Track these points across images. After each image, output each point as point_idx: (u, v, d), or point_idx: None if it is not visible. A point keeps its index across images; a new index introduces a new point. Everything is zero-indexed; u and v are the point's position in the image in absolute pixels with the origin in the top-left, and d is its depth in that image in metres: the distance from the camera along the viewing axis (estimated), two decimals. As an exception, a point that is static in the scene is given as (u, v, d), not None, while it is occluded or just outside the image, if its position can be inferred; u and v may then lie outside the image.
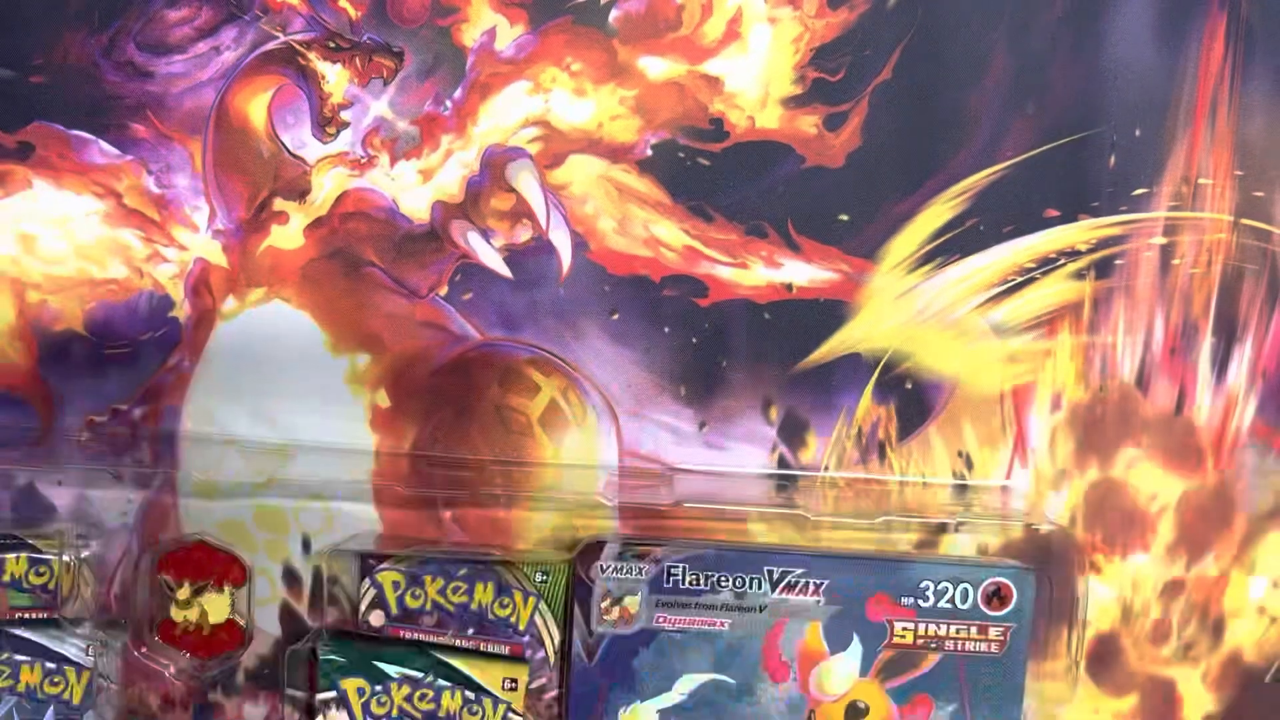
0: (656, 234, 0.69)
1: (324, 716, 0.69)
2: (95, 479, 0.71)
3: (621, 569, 0.69)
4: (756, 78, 0.68)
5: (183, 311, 0.70)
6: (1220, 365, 0.70)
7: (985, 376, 0.70)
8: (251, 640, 0.71)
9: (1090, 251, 0.69)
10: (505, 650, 0.70)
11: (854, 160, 0.68)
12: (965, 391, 0.70)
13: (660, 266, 0.69)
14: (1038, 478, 0.71)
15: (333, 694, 0.69)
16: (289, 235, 0.69)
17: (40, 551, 0.69)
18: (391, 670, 0.69)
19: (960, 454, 0.71)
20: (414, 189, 0.69)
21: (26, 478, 0.71)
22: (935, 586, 0.68)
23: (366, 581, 0.70)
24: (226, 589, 0.70)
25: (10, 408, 0.70)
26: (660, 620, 0.69)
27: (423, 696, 0.69)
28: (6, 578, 0.69)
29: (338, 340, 0.70)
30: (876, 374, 0.70)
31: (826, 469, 0.71)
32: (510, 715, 0.69)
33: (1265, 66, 0.67)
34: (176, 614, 0.70)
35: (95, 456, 0.70)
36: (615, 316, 0.70)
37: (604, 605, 0.69)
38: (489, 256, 0.69)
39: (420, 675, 0.69)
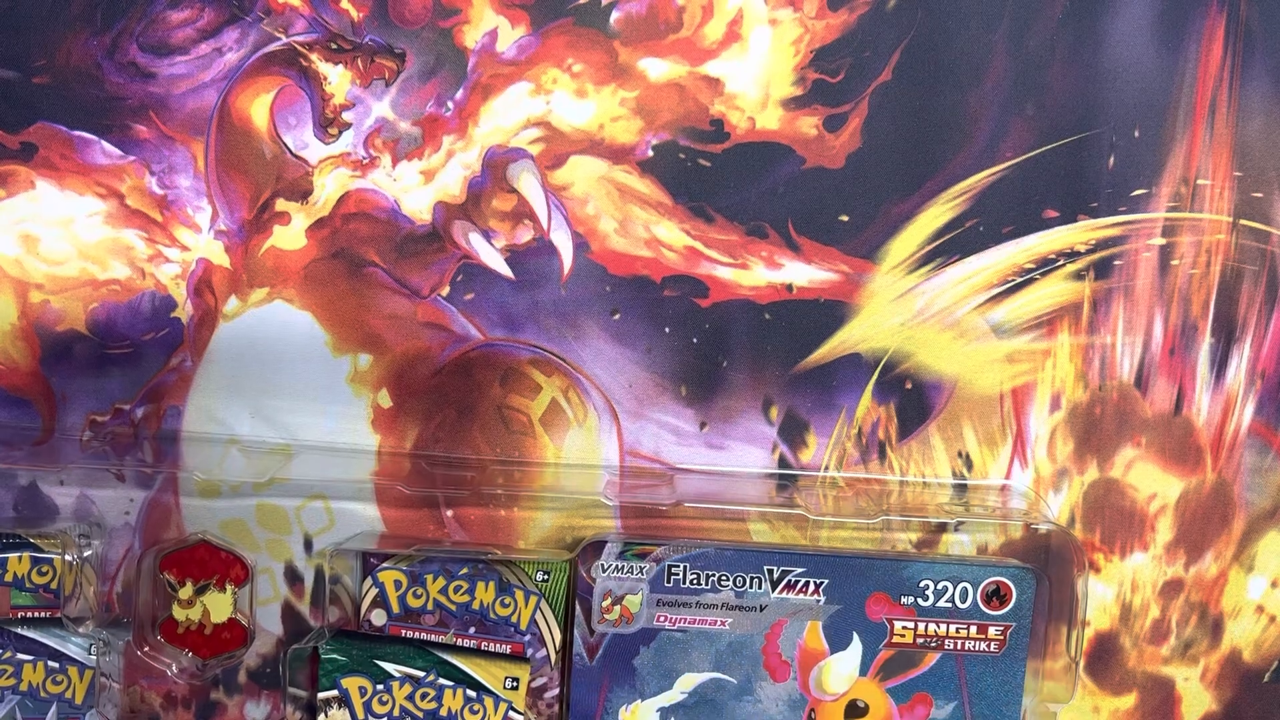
0: (657, 234, 0.69)
1: (325, 715, 0.69)
2: (97, 478, 0.71)
3: (622, 568, 0.69)
4: (757, 79, 0.68)
5: (185, 312, 0.70)
6: (1219, 365, 0.70)
7: (985, 376, 0.70)
8: (253, 639, 0.71)
9: (1089, 252, 0.69)
10: (507, 649, 0.70)
11: (854, 161, 0.68)
12: (965, 391, 0.70)
13: (661, 267, 0.69)
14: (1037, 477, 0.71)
15: (334, 693, 0.69)
16: (291, 236, 0.69)
17: (43, 551, 0.69)
18: (393, 669, 0.69)
19: (960, 454, 0.71)
20: (416, 190, 0.69)
21: (29, 477, 0.71)
22: (935, 586, 0.69)
23: (368, 581, 0.70)
24: (228, 588, 0.70)
25: (13, 407, 0.70)
26: (661, 619, 0.69)
27: (424, 695, 0.69)
28: (9, 577, 0.69)
29: (340, 340, 0.70)
30: (876, 374, 0.70)
31: (826, 469, 0.71)
32: (511, 714, 0.70)
33: (1264, 67, 0.68)
34: (179, 613, 0.70)
35: (97, 456, 0.70)
36: (616, 316, 0.70)
37: (605, 604, 0.69)
38: (490, 257, 0.69)
39: (422, 674, 0.69)
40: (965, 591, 0.68)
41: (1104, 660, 0.72)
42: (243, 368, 0.70)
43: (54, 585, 0.69)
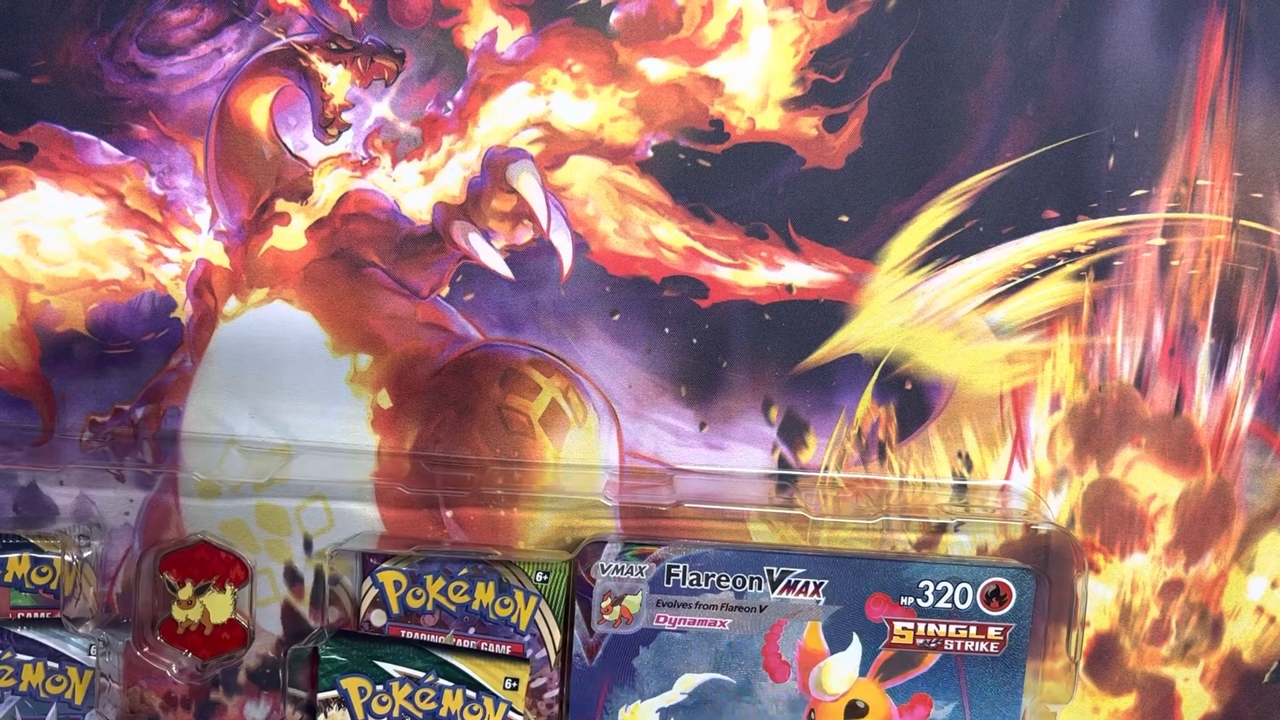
0: (657, 235, 0.69)
1: (325, 716, 0.69)
2: (97, 479, 0.71)
3: (622, 569, 0.69)
4: (757, 79, 0.68)
5: (185, 312, 0.70)
6: (1219, 366, 0.70)
7: (985, 377, 0.70)
8: (253, 640, 0.71)
9: (1089, 252, 0.69)
10: (506, 650, 0.70)
11: (854, 161, 0.68)
12: (965, 392, 0.70)
13: (661, 267, 0.69)
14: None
15: (334, 693, 0.69)
16: (291, 236, 0.69)
17: (42, 551, 0.69)
18: (393, 670, 0.69)
19: (960, 454, 0.71)
20: (415, 190, 0.69)
21: (29, 478, 0.71)
22: (935, 586, 0.69)
23: (368, 581, 0.70)
24: (228, 589, 0.70)
25: (13, 407, 0.70)
26: (660, 620, 0.69)
27: (424, 696, 0.69)
28: (9, 577, 0.69)
29: (339, 341, 0.70)
30: (876, 374, 0.70)
31: (826, 469, 0.71)
32: (511, 715, 0.70)
33: (1264, 68, 0.68)
34: (178, 613, 0.70)
35: (97, 456, 0.70)
36: (616, 317, 0.70)
37: (605, 605, 0.69)
38: (490, 257, 0.69)
39: (421, 675, 0.69)
40: (965, 592, 0.68)
41: (1104, 660, 0.72)
42: (242, 368, 0.70)
43: (54, 586, 0.69)
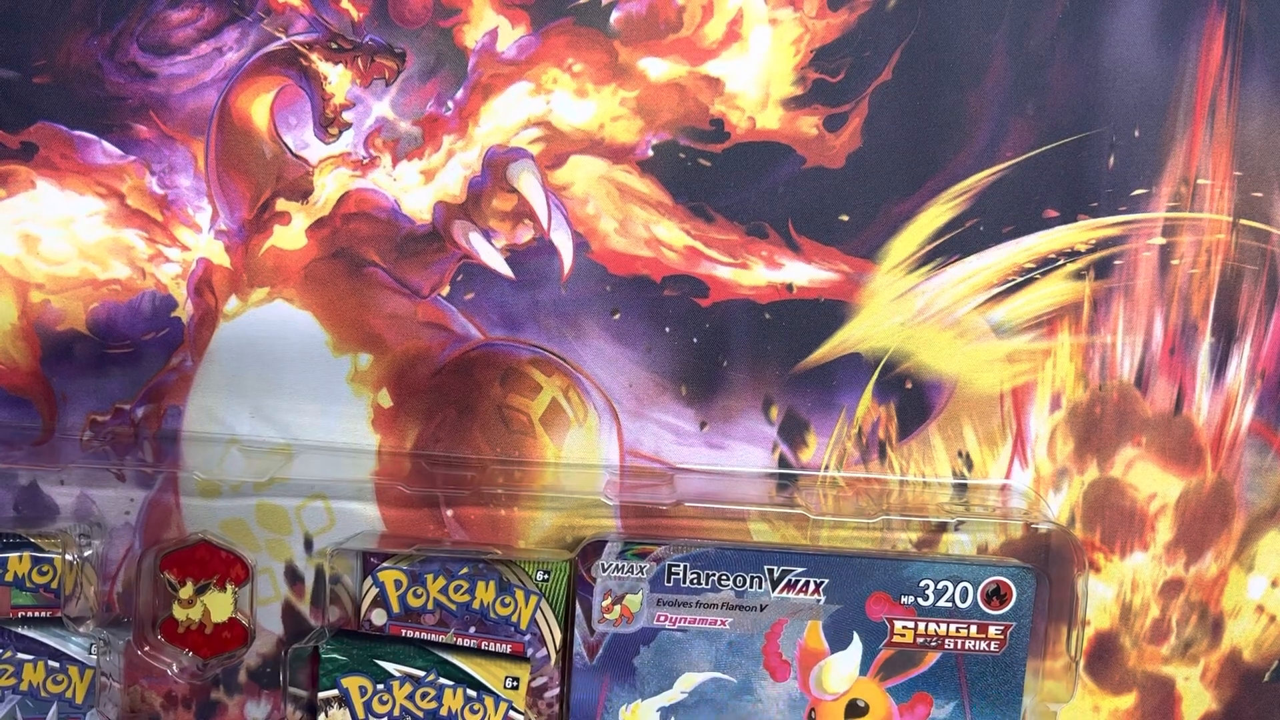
0: (657, 234, 0.69)
1: (326, 715, 0.69)
2: (98, 478, 0.71)
3: (622, 568, 0.69)
4: (757, 79, 0.68)
5: (185, 311, 0.70)
6: (1219, 365, 0.70)
7: (985, 376, 0.70)
8: (254, 639, 0.71)
9: (1089, 252, 0.69)
10: (507, 649, 0.70)
11: (854, 161, 0.68)
12: (965, 391, 0.70)
13: (661, 267, 0.69)
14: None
15: (334, 692, 0.69)
16: (291, 235, 0.69)
17: (43, 550, 0.69)
18: (393, 669, 0.69)
19: (960, 454, 0.71)
20: (416, 189, 0.69)
21: (29, 477, 0.71)
22: (935, 585, 0.69)
23: (368, 580, 0.70)
24: (229, 588, 0.70)
25: (13, 407, 0.70)
26: (661, 619, 0.69)
27: (424, 695, 0.69)
28: (10, 577, 0.69)
29: (340, 340, 0.70)
30: (876, 374, 0.70)
31: (827, 468, 0.71)
32: (512, 714, 0.70)
33: (1264, 67, 0.68)
34: (179, 613, 0.70)
35: (98, 456, 0.70)
36: (616, 316, 0.70)
37: (605, 604, 0.69)
38: (491, 257, 0.69)
39: (422, 674, 0.69)
40: (965, 591, 0.68)
41: (1104, 660, 0.73)
42: (243, 367, 0.70)
43: (54, 585, 0.69)
